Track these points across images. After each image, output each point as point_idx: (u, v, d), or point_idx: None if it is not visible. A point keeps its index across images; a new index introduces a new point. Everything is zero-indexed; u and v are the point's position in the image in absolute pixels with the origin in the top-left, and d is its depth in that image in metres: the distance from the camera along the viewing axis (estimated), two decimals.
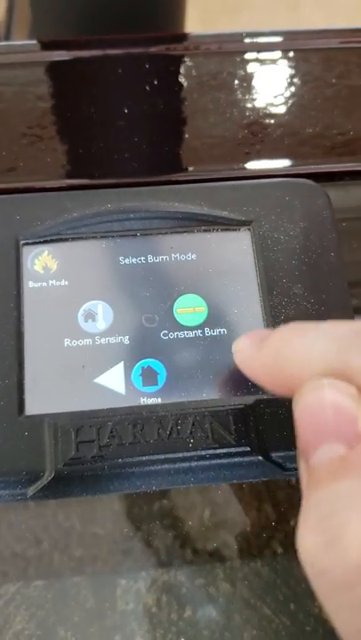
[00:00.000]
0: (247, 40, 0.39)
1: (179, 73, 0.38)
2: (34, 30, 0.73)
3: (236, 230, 0.29)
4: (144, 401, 0.26)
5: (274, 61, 0.39)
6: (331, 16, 1.53)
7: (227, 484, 0.31)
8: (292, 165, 0.34)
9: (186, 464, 0.24)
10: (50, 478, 0.24)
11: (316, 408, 0.18)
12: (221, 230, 0.29)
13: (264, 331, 0.23)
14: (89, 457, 0.24)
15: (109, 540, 0.36)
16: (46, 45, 0.40)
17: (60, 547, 0.36)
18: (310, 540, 0.16)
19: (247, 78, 0.38)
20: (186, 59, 0.39)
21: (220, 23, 1.51)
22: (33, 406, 0.26)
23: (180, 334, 0.27)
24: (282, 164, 0.34)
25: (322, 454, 0.18)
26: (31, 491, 0.25)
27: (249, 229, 0.29)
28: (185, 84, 0.38)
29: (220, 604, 0.35)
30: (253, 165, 0.34)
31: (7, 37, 1.21)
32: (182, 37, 0.41)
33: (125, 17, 0.61)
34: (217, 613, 0.35)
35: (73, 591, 0.36)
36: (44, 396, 0.26)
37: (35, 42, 0.41)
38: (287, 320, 0.27)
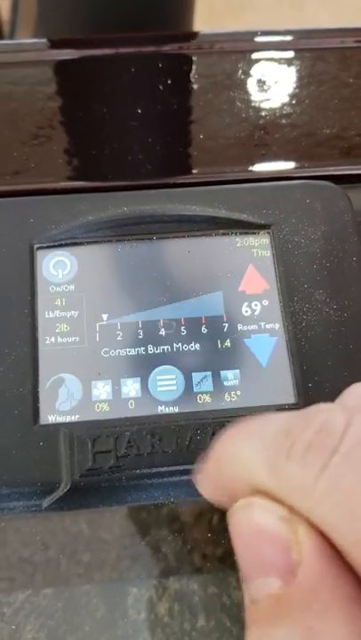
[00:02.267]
0: (262, 39, 0.39)
1: (192, 72, 0.38)
2: (40, 28, 0.73)
3: (255, 234, 0.28)
4: (162, 410, 0.25)
5: (288, 61, 0.38)
6: (336, 15, 1.52)
7: None
8: (310, 167, 0.33)
9: None
10: (66, 490, 0.24)
11: (247, 533, 0.16)
12: (240, 234, 0.28)
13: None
14: (106, 468, 0.24)
15: (119, 546, 0.36)
16: (57, 44, 0.40)
17: (68, 553, 0.35)
18: None
19: (262, 78, 0.37)
20: (199, 57, 0.38)
21: (225, 22, 1.50)
22: (48, 415, 0.25)
23: (198, 341, 0.27)
24: (299, 165, 0.33)
25: (258, 589, 0.15)
26: (46, 502, 0.24)
27: (268, 233, 0.28)
28: (199, 83, 0.37)
29: (233, 612, 0.34)
30: (270, 167, 0.34)
31: (12, 35, 1.21)
32: (195, 36, 0.41)
33: (133, 15, 0.61)
34: (230, 623, 0.34)
35: (83, 600, 0.35)
36: (60, 404, 0.25)
37: (45, 40, 0.40)
38: (308, 327, 0.26)
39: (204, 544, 0.36)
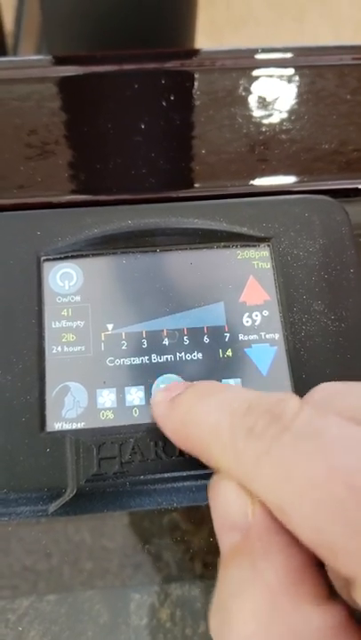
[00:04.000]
0: (262, 56, 0.40)
1: (194, 88, 0.39)
2: (44, 41, 0.74)
3: (255, 246, 0.29)
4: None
5: (288, 77, 0.39)
6: (336, 28, 1.54)
7: None
8: (308, 181, 0.34)
9: (208, 481, 0.24)
10: (71, 495, 0.24)
11: (217, 501, 0.20)
12: (241, 246, 0.29)
13: (179, 385, 0.24)
14: (111, 473, 0.24)
15: (121, 554, 0.36)
16: (62, 60, 0.41)
17: (71, 561, 0.36)
18: (212, 620, 0.19)
19: (262, 94, 0.38)
20: (201, 74, 0.39)
21: (226, 35, 1.52)
22: (54, 422, 0.26)
23: (201, 350, 0.27)
24: (298, 180, 0.34)
25: (224, 542, 0.20)
26: (52, 507, 0.25)
27: (268, 245, 0.29)
28: (200, 99, 0.38)
29: None
30: (270, 181, 0.34)
31: (15, 48, 1.22)
32: (197, 53, 0.42)
33: (135, 31, 0.62)
34: None
35: (86, 606, 0.36)
36: (66, 412, 0.26)
37: (50, 57, 0.41)
38: (308, 337, 0.27)
39: (206, 550, 0.36)
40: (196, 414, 0.21)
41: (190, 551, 0.36)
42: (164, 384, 0.26)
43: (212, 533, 0.35)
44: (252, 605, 0.17)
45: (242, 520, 0.19)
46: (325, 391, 0.21)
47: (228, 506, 0.20)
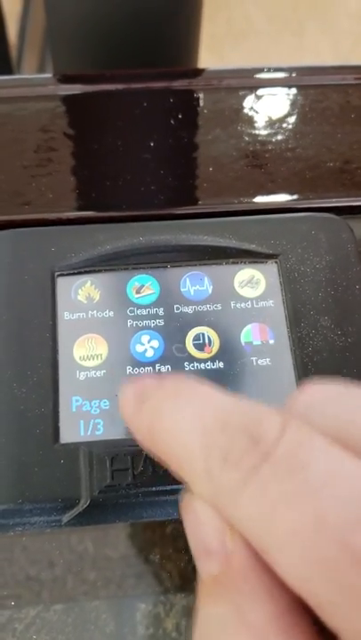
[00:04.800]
0: (267, 75, 0.41)
1: (200, 107, 0.40)
2: (51, 58, 0.75)
3: (263, 263, 0.30)
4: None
5: (293, 96, 0.40)
6: (335, 43, 1.55)
7: None
8: (313, 199, 0.35)
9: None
10: (85, 506, 0.25)
11: (191, 521, 0.18)
12: (249, 263, 0.30)
13: (149, 383, 0.21)
14: (123, 485, 0.25)
15: (124, 564, 0.36)
16: (71, 79, 0.42)
17: (75, 572, 0.36)
18: None
19: (267, 113, 0.39)
20: (207, 93, 0.40)
21: (226, 49, 1.53)
22: (68, 434, 0.26)
23: (207, 364, 0.28)
24: (303, 197, 0.35)
25: (202, 568, 0.17)
26: (66, 518, 0.25)
27: (276, 262, 0.30)
28: (207, 117, 0.39)
29: None
30: (276, 199, 0.35)
31: (19, 61, 1.23)
32: (203, 72, 0.43)
33: (140, 48, 0.63)
34: None
35: (93, 615, 0.36)
36: (79, 424, 0.26)
37: (59, 76, 0.42)
38: (315, 351, 0.28)
39: None
40: (164, 423, 0.19)
41: (191, 559, 0.37)
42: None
43: None
44: None
45: (219, 548, 0.17)
46: (313, 397, 0.19)
47: (203, 531, 0.17)
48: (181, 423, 0.18)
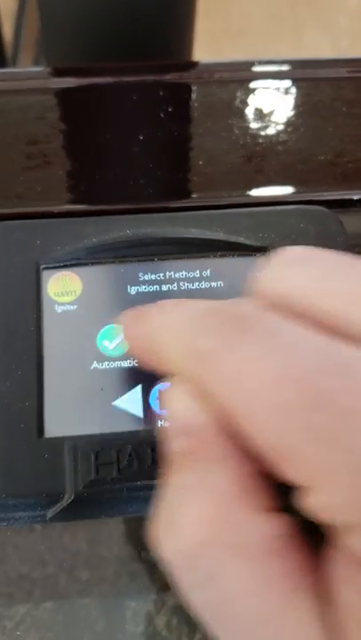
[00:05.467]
0: (259, 68, 0.40)
1: (192, 100, 0.39)
2: (43, 52, 0.75)
3: (252, 256, 0.29)
4: (162, 424, 0.26)
5: (285, 89, 0.40)
6: (334, 40, 1.55)
7: None
8: (304, 192, 0.35)
9: None
10: (70, 500, 0.25)
11: (169, 408, 0.19)
12: (238, 256, 0.29)
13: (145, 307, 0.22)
14: (108, 479, 0.25)
15: (116, 562, 0.36)
16: (62, 72, 0.41)
17: (67, 570, 0.36)
18: (154, 528, 0.18)
19: (259, 106, 0.39)
20: (199, 86, 0.40)
21: (223, 46, 1.53)
22: (52, 429, 0.26)
23: None
24: (295, 190, 0.35)
25: (174, 448, 0.18)
26: (50, 513, 0.25)
27: (265, 255, 0.29)
28: (198, 111, 0.38)
29: None
30: (266, 192, 0.35)
31: (14, 58, 1.23)
32: (195, 65, 0.42)
33: (135, 43, 0.62)
34: None
35: (83, 613, 0.36)
36: (64, 418, 0.26)
37: (50, 69, 0.42)
38: None
39: None
40: (157, 321, 0.20)
41: None
42: (161, 390, 0.27)
43: None
44: (200, 512, 0.16)
45: (193, 424, 0.18)
46: (283, 255, 0.21)
47: (179, 410, 0.18)
48: (173, 315, 0.20)
